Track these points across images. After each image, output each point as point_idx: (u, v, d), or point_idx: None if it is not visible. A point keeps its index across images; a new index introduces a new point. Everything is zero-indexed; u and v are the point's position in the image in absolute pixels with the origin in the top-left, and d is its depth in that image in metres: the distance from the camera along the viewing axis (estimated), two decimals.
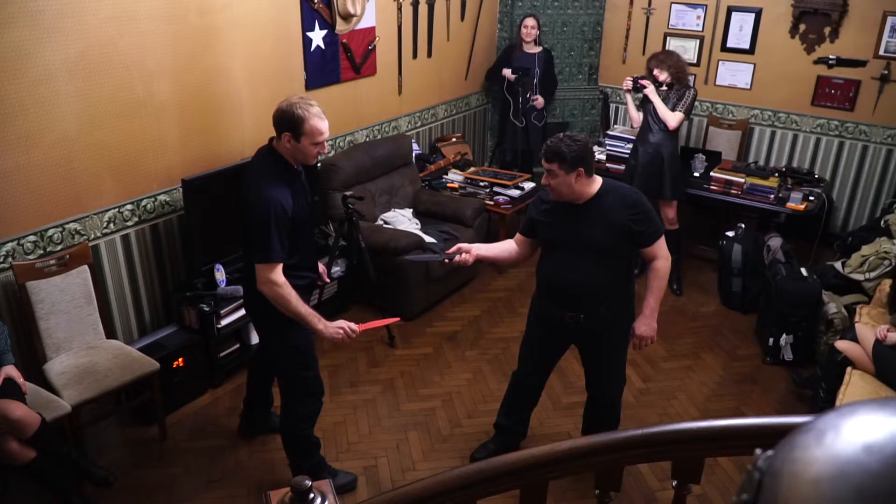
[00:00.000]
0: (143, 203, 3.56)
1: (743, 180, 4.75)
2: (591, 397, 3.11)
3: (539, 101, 5.52)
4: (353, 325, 2.69)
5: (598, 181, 2.72)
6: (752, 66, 5.51)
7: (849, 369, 3.24)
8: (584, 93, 6.26)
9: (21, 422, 2.63)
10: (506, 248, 3.01)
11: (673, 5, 5.72)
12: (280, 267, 2.54)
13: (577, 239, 2.72)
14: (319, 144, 2.56)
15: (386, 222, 4.65)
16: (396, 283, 4.29)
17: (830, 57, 5.14)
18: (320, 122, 2.53)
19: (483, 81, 6.11)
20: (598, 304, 2.77)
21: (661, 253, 2.75)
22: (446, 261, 2.90)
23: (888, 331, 3.18)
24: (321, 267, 3.03)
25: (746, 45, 5.49)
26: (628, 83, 4.70)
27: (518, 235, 2.99)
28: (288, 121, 2.51)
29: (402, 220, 4.67)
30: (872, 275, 4.03)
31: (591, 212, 2.69)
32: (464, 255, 2.82)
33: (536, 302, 2.99)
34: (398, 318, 3.21)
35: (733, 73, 5.61)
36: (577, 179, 2.62)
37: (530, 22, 5.41)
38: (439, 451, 3.34)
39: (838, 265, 4.27)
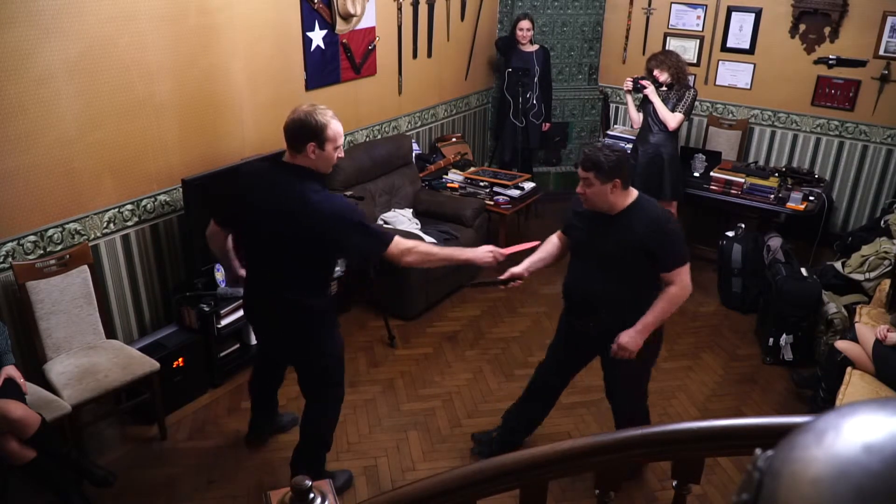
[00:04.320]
0: (143, 203, 3.56)
1: (743, 180, 4.75)
2: (612, 409, 3.11)
3: (547, 126, 5.75)
4: (500, 250, 2.75)
5: (632, 195, 2.68)
6: (752, 66, 5.51)
7: (849, 369, 3.24)
8: (584, 93, 6.27)
9: (21, 422, 2.63)
10: (550, 249, 3.00)
11: (673, 5, 5.72)
12: (396, 240, 2.53)
13: (594, 248, 2.74)
14: (339, 148, 2.53)
15: (386, 222, 4.65)
16: (396, 283, 4.29)
17: (830, 57, 5.14)
18: (338, 123, 2.50)
19: (483, 79, 6.12)
20: (608, 317, 2.76)
21: (678, 280, 2.65)
22: (502, 287, 2.96)
23: (888, 331, 3.18)
24: None
25: (746, 45, 5.49)
26: (628, 84, 4.71)
27: (559, 231, 3.01)
28: (310, 130, 2.44)
29: (402, 220, 4.67)
30: (872, 275, 4.03)
31: (616, 225, 2.67)
32: (517, 281, 2.88)
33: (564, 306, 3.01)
34: (538, 242, 3.06)
35: (733, 73, 5.61)
36: (613, 190, 2.59)
37: (525, 24, 5.42)
38: (439, 451, 3.34)
39: (838, 265, 4.27)
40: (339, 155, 2.55)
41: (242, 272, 3.00)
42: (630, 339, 2.72)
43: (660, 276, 2.72)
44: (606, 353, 2.89)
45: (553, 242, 3.00)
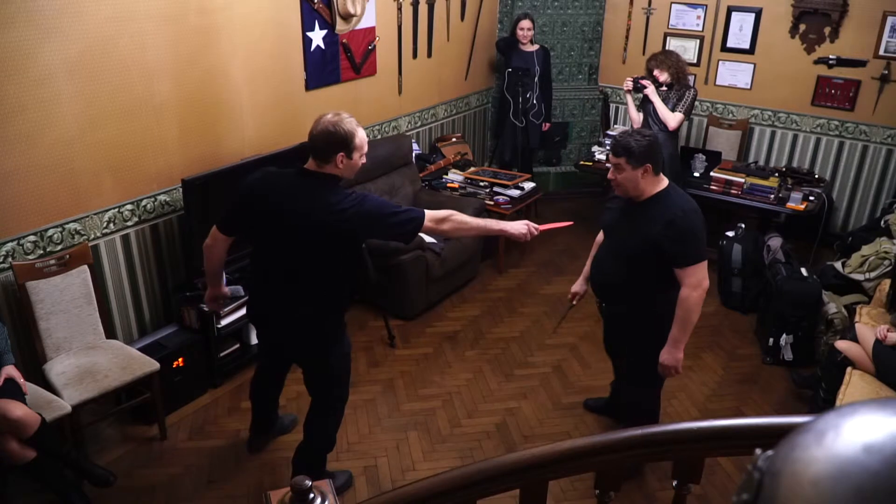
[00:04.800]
0: (143, 203, 3.56)
1: (743, 180, 4.75)
2: (621, 399, 3.19)
3: (547, 126, 5.74)
4: (535, 225, 2.75)
5: (662, 182, 2.69)
6: (752, 66, 5.51)
7: (849, 369, 3.24)
8: (584, 93, 6.27)
9: (21, 422, 2.63)
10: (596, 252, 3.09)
11: (673, 5, 5.72)
12: (429, 213, 2.56)
13: (614, 233, 2.82)
14: (363, 155, 2.53)
15: None
16: (396, 283, 4.29)
17: (830, 57, 5.14)
18: (363, 131, 2.50)
19: (483, 79, 6.12)
20: (616, 302, 2.83)
21: (688, 281, 2.60)
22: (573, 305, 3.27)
23: (888, 331, 3.18)
24: None
25: (746, 45, 5.49)
26: (628, 83, 4.70)
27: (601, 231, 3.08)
28: (339, 141, 2.42)
29: None
30: (872, 275, 4.03)
31: (639, 213, 2.68)
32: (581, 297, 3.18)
33: None
34: (571, 223, 3.11)
35: (733, 73, 5.61)
36: (644, 175, 2.61)
37: (526, 24, 5.41)
38: (439, 451, 3.34)
39: (838, 265, 4.27)
40: (363, 161, 2.56)
41: (227, 290, 3.05)
42: (668, 355, 2.75)
43: (665, 285, 2.69)
44: (627, 342, 2.96)
45: (599, 243, 3.05)
